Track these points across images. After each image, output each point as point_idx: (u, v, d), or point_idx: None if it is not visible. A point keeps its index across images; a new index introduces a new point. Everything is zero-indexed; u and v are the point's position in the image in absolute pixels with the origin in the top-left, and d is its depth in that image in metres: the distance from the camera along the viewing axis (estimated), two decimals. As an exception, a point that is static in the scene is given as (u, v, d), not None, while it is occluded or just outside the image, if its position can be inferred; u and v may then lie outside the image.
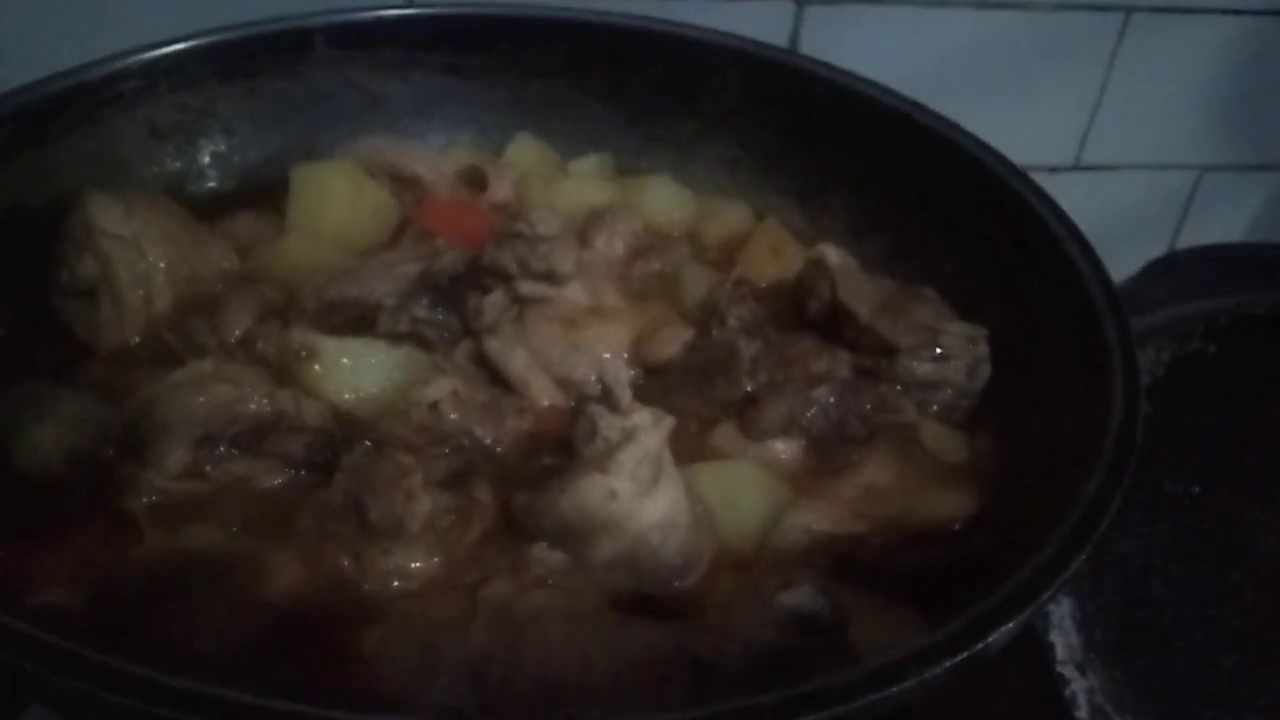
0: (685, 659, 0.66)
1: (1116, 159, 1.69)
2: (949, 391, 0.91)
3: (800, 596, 0.64)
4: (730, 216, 1.13)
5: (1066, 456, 0.75)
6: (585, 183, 1.14)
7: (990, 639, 0.58)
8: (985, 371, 0.91)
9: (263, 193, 1.11)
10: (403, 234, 1.05)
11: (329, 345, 0.85)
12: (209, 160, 1.13)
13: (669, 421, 0.73)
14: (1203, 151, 1.70)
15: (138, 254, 0.93)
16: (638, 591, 0.73)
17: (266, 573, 0.74)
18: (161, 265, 0.94)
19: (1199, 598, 1.15)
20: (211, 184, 1.13)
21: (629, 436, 0.71)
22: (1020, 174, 1.00)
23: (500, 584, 0.72)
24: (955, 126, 1.07)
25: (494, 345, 0.88)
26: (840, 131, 1.13)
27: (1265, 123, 1.69)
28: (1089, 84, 1.61)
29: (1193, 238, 1.79)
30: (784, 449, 0.85)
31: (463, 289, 0.92)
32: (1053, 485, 0.73)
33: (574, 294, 0.92)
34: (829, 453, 0.85)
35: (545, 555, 0.73)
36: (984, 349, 0.91)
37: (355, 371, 0.85)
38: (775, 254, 1.06)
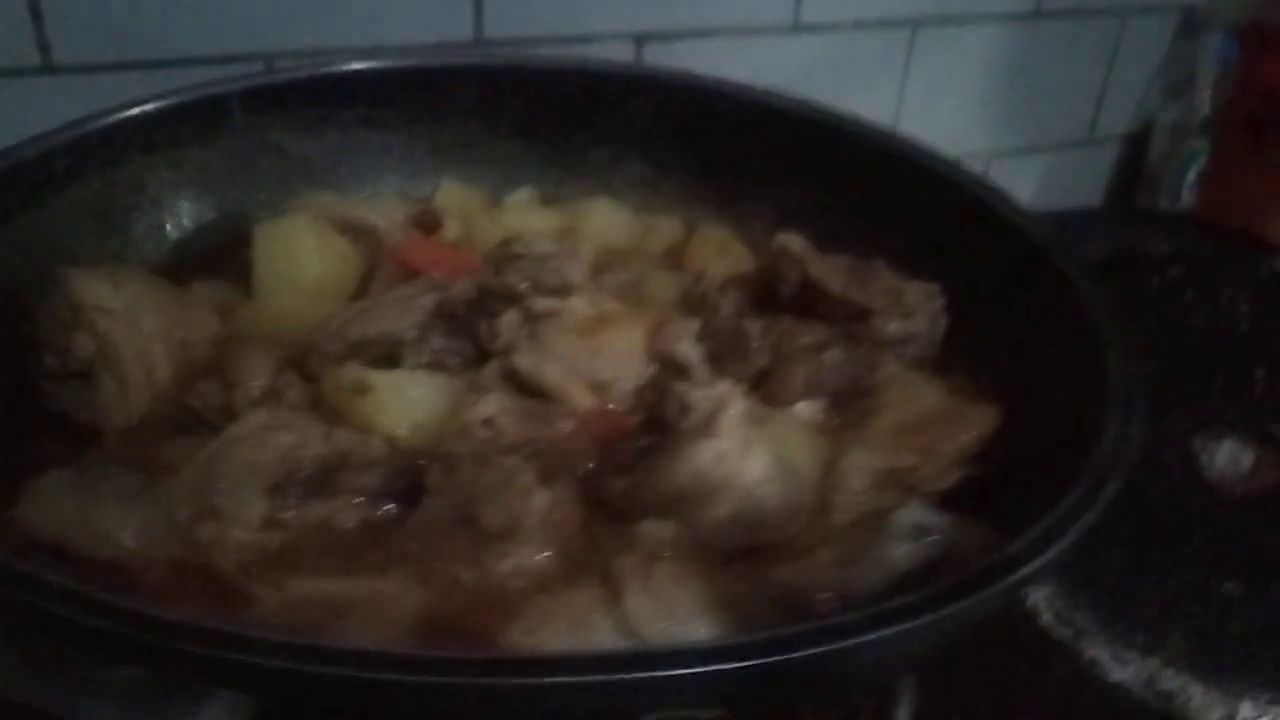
0: (822, 591, 0.74)
1: (917, 155, 1.90)
2: (916, 344, 1.03)
3: (916, 512, 0.73)
4: (665, 228, 1.22)
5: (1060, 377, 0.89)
6: (527, 213, 1.19)
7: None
8: (944, 321, 1.04)
9: (205, 261, 1.09)
10: (370, 280, 1.07)
11: (380, 380, 0.86)
12: (143, 234, 1.10)
13: (741, 387, 0.81)
14: (989, 139, 1.96)
15: (133, 327, 0.90)
16: (752, 545, 0.79)
17: (390, 603, 0.74)
18: (157, 336, 0.91)
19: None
20: (151, 259, 1.10)
21: (722, 403, 0.77)
22: (913, 144, 1.15)
23: (626, 560, 0.76)
24: (837, 114, 1.21)
25: (524, 361, 0.92)
26: (745, 139, 1.24)
27: (1035, 110, 1.96)
28: (890, 91, 1.82)
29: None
30: (807, 409, 0.93)
31: (469, 317, 0.96)
32: (1063, 399, 0.86)
33: (578, 305, 0.97)
34: (848, 406, 0.95)
35: (656, 528, 0.78)
36: (940, 301, 1.04)
37: (406, 402, 0.87)
38: (722, 252, 1.15)
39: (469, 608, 0.75)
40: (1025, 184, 2.06)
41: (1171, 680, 1.09)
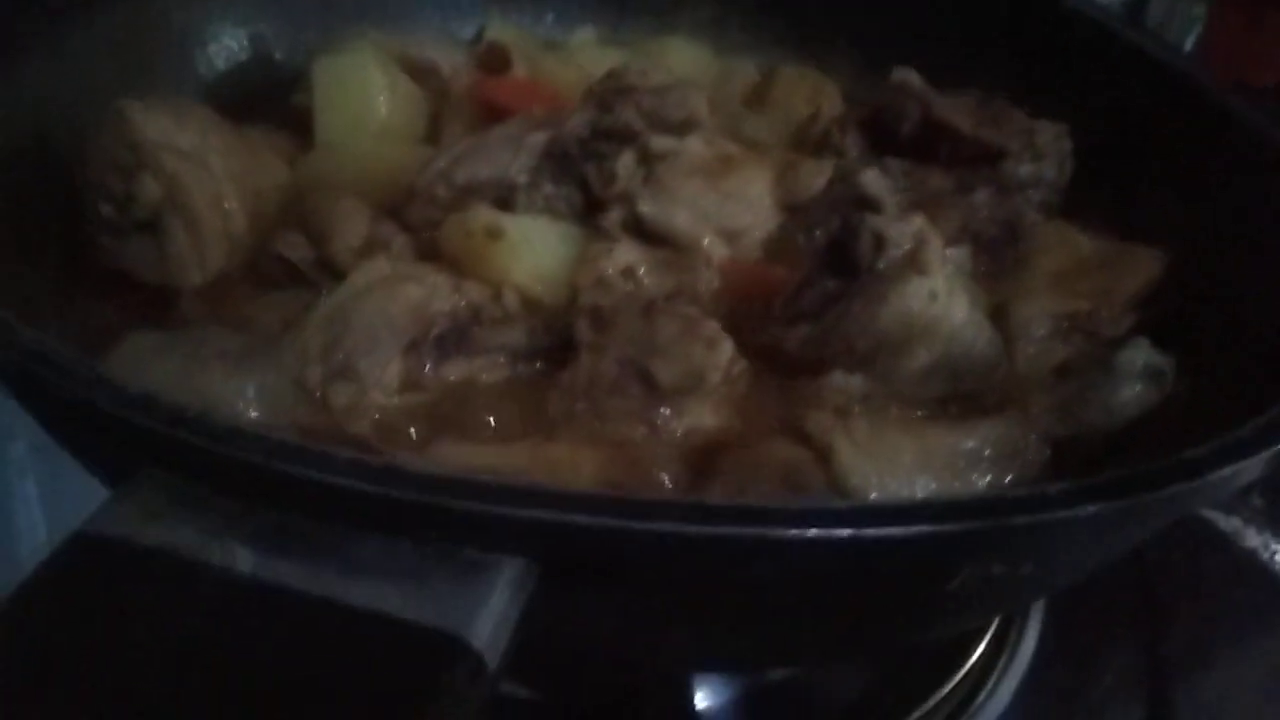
0: (1042, 440, 0.67)
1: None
2: (1044, 189, 0.96)
3: (1144, 353, 0.66)
4: (744, 71, 1.11)
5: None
6: (596, 53, 1.07)
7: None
8: (1070, 164, 0.97)
9: (244, 106, 0.95)
10: (440, 125, 0.95)
11: (512, 224, 0.76)
12: (172, 75, 0.95)
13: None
14: None
15: (204, 169, 0.77)
16: (952, 395, 0.71)
17: (566, 469, 0.65)
18: (230, 179, 0.79)
19: None
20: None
21: (923, 238, 0.69)
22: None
23: (820, 418, 0.68)
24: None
25: (650, 208, 0.82)
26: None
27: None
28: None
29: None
30: (954, 256, 0.86)
31: (576, 160, 0.85)
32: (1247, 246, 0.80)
33: (695, 146, 0.87)
34: (997, 253, 0.87)
35: (844, 382, 0.70)
36: (1068, 143, 0.96)
37: (538, 250, 0.76)
38: (816, 94, 1.06)
39: (654, 470, 0.67)
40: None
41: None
